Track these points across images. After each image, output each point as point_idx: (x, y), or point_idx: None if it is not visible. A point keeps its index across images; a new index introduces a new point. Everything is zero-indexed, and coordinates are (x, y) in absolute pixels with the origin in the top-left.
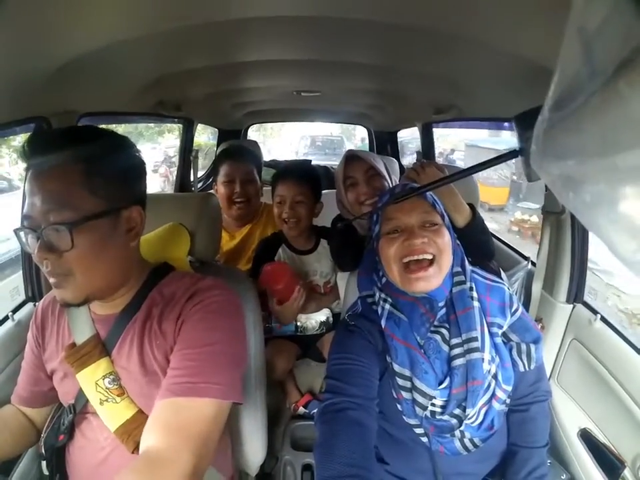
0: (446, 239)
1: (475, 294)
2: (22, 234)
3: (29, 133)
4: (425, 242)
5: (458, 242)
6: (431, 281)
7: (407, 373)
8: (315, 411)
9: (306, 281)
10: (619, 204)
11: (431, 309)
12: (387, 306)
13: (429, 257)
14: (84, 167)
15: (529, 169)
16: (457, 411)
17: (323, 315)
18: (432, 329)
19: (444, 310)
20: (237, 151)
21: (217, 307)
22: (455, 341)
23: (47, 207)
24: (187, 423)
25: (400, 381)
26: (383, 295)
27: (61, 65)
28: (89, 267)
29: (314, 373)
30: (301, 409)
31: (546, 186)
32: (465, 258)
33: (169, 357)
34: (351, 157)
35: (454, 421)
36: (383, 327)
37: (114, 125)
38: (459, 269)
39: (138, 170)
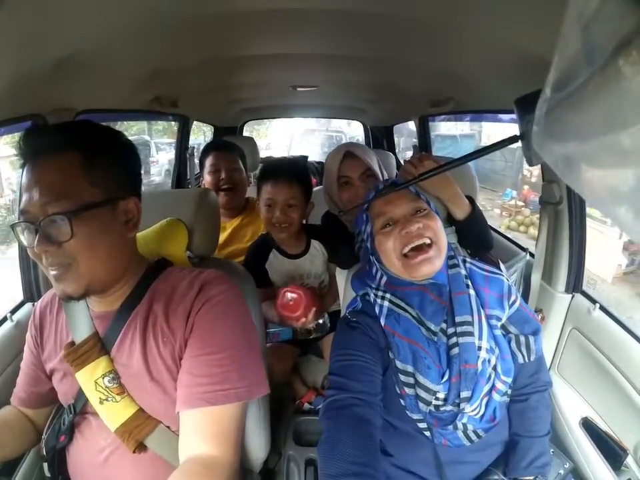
0: (438, 223)
1: (469, 282)
2: (19, 229)
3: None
4: (421, 227)
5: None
6: (434, 262)
7: (410, 369)
8: (321, 406)
9: (318, 288)
10: (623, 181)
11: (440, 295)
12: (386, 303)
13: (427, 240)
14: (81, 156)
15: (529, 153)
16: (457, 399)
17: (319, 319)
18: None
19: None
20: (220, 142)
21: (228, 304)
22: (451, 330)
23: (45, 199)
24: (226, 428)
25: (403, 377)
26: (380, 293)
27: (57, 62)
28: (89, 255)
29: (317, 368)
30: (306, 405)
31: (543, 176)
32: (451, 244)
33: (177, 354)
34: (348, 155)
35: (455, 409)
36: (382, 325)
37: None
38: (451, 253)
39: (134, 162)
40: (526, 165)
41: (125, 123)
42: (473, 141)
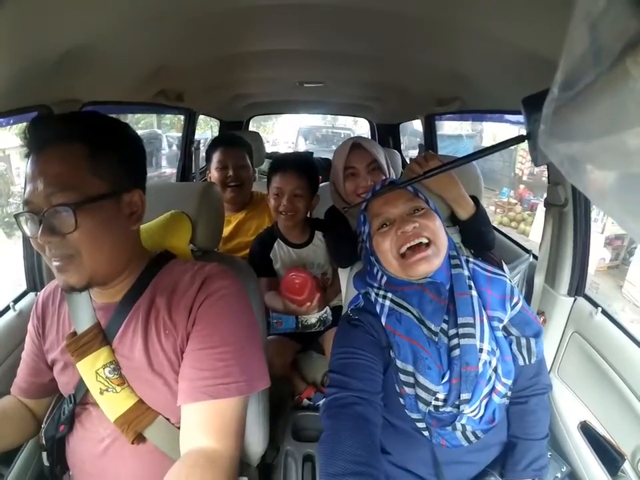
0: (437, 222)
1: (472, 283)
2: (22, 219)
3: None
4: (417, 226)
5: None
6: (432, 261)
7: (410, 368)
8: (321, 402)
9: (321, 278)
10: (628, 180)
11: (439, 294)
12: (387, 302)
13: (425, 240)
14: (87, 148)
15: (536, 153)
16: (457, 401)
17: (322, 312)
18: None
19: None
20: (228, 137)
21: (230, 299)
22: (452, 331)
23: (49, 189)
24: (228, 421)
25: (403, 377)
26: (381, 292)
27: (63, 53)
28: (93, 247)
29: (317, 364)
30: (305, 401)
31: (549, 178)
32: (455, 244)
33: (179, 347)
34: (356, 146)
35: (455, 410)
36: (383, 324)
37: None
38: (454, 253)
39: (139, 154)
40: (518, 164)
41: (137, 116)
42: (472, 141)
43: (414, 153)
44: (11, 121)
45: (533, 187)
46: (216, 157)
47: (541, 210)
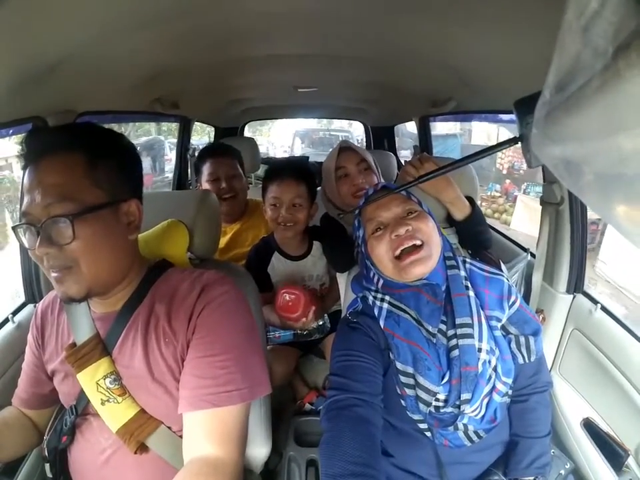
0: (430, 224)
1: (468, 284)
2: (20, 231)
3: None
4: (410, 229)
5: (442, 232)
6: (426, 263)
7: (410, 370)
8: (322, 406)
9: (319, 289)
10: (622, 182)
11: (435, 295)
12: (385, 305)
13: (418, 242)
14: (84, 158)
15: (529, 155)
16: (458, 401)
17: (320, 320)
18: None
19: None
20: (217, 147)
21: (230, 306)
22: (451, 332)
23: (47, 200)
24: (231, 429)
25: (403, 378)
26: (379, 295)
27: (57, 63)
28: (91, 257)
29: (318, 368)
30: (307, 406)
31: (544, 177)
32: (451, 245)
33: (179, 354)
34: (344, 148)
35: (455, 410)
36: (382, 326)
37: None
38: (450, 254)
39: (135, 163)
40: (498, 159)
41: (137, 124)
42: (461, 139)
43: (406, 153)
44: (10, 131)
45: (518, 180)
46: (206, 169)
47: (520, 201)
